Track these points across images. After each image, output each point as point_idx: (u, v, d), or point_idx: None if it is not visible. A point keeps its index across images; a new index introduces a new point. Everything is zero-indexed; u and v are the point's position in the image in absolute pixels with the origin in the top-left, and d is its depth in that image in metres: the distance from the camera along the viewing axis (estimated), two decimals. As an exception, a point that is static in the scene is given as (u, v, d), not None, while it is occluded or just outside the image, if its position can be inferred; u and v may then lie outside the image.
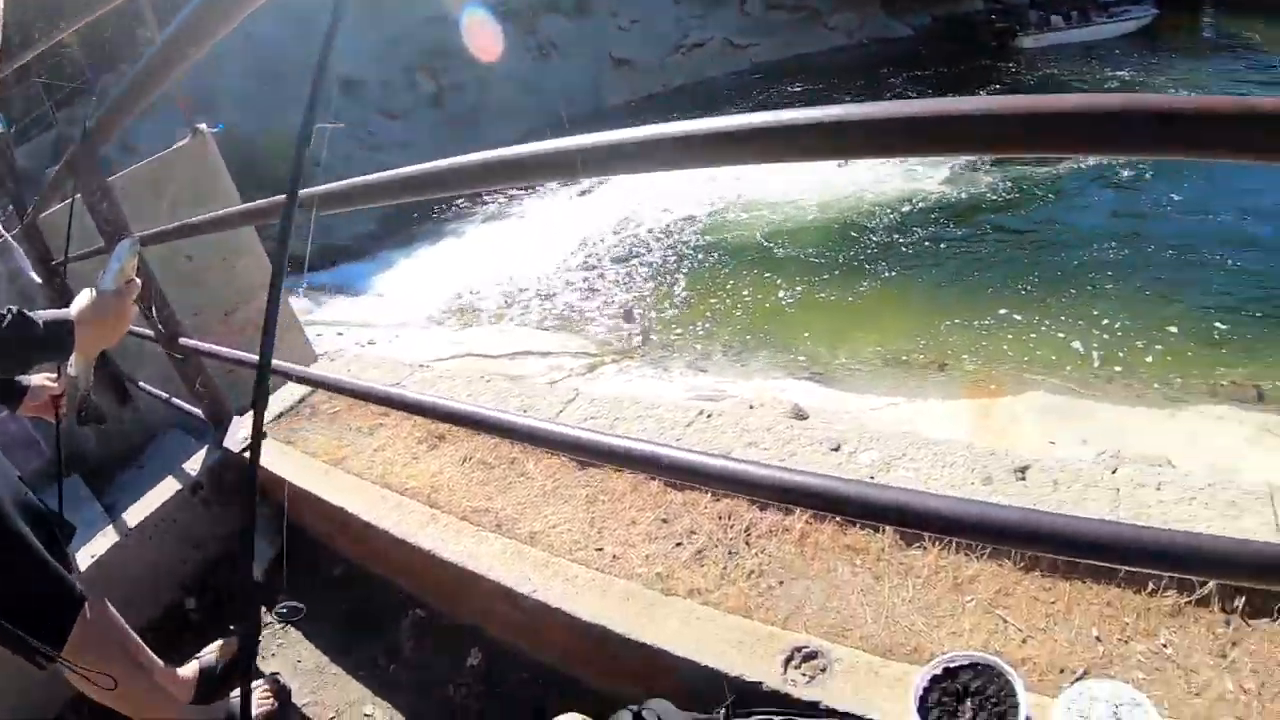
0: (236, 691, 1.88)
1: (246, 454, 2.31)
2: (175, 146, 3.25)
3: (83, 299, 1.33)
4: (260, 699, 1.89)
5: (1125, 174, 12.30)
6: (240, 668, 1.72)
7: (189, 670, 1.93)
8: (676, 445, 1.74)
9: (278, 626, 2.16)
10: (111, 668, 1.54)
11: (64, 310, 1.32)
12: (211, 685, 1.92)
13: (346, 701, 1.94)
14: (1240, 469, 4.24)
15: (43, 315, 1.25)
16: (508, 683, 1.83)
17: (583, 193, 14.65)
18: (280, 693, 1.93)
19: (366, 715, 1.90)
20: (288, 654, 2.12)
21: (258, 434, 1.48)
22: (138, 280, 1.41)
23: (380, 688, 1.94)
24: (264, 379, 1.45)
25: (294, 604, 1.62)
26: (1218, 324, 7.93)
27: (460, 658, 1.88)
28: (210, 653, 1.98)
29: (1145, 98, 0.61)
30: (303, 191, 1.49)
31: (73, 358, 1.43)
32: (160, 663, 1.79)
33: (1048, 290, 9.20)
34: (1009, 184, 12.59)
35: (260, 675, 1.96)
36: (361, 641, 2.06)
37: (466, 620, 1.94)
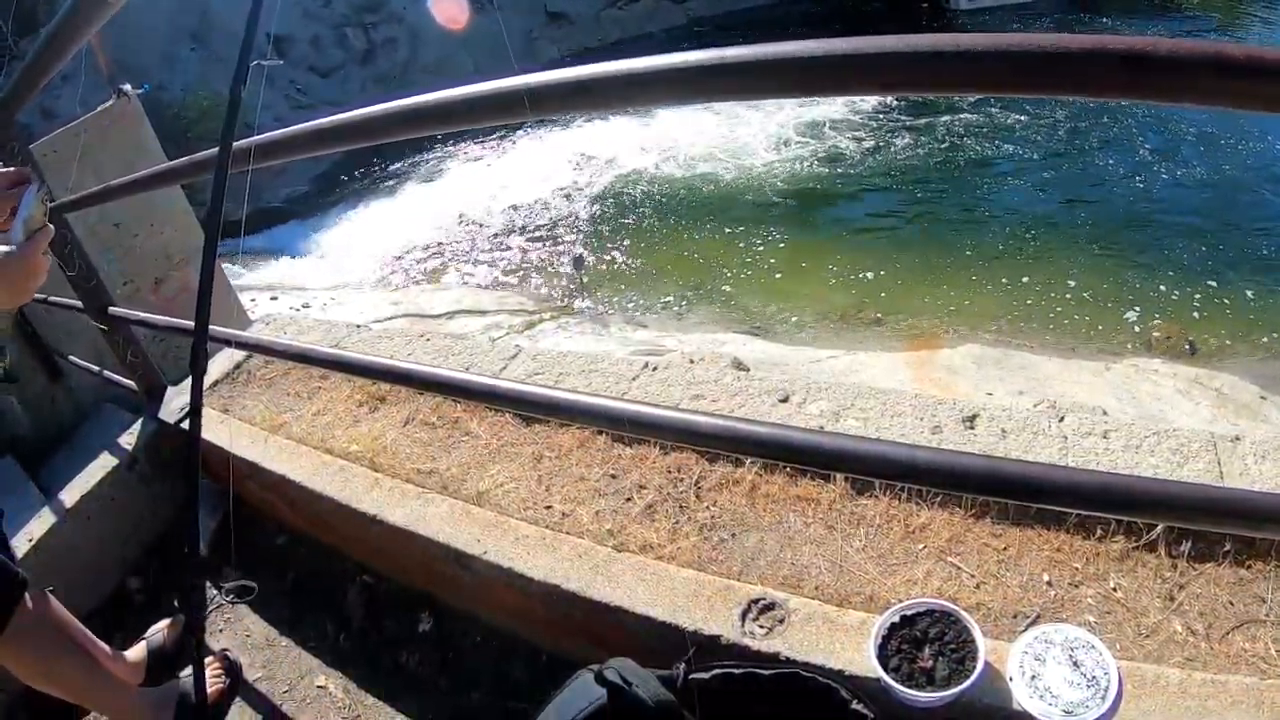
0: (187, 670, 1.83)
1: (183, 424, 2.22)
2: (99, 109, 3.08)
3: None
4: (212, 677, 1.84)
5: (1062, 129, 12.18)
6: (189, 647, 1.67)
7: (137, 652, 1.86)
8: (626, 399, 1.72)
9: (225, 601, 2.10)
10: (55, 658, 1.49)
11: None
12: (162, 666, 1.86)
13: (298, 674, 1.90)
14: (1172, 418, 4.34)
15: None
16: (461, 648, 1.79)
17: (505, 152, 14.31)
18: (231, 669, 1.87)
19: (319, 688, 1.86)
20: (236, 628, 2.06)
21: (197, 402, 1.41)
22: (50, 226, 1.33)
23: (332, 659, 1.90)
24: (201, 343, 1.39)
25: (244, 583, 1.56)
26: (1153, 280, 8.00)
27: (412, 624, 1.85)
28: (158, 632, 1.92)
29: (1113, 39, 0.58)
30: (237, 143, 1.41)
31: None
32: (107, 648, 1.72)
33: (984, 246, 9.16)
34: (939, 140, 12.44)
35: (210, 652, 1.91)
36: (310, 612, 2.01)
37: (416, 585, 1.90)
